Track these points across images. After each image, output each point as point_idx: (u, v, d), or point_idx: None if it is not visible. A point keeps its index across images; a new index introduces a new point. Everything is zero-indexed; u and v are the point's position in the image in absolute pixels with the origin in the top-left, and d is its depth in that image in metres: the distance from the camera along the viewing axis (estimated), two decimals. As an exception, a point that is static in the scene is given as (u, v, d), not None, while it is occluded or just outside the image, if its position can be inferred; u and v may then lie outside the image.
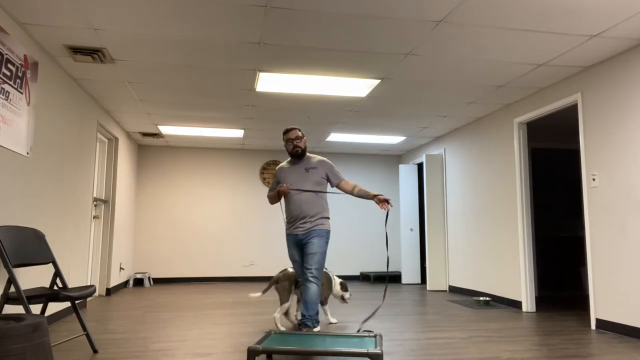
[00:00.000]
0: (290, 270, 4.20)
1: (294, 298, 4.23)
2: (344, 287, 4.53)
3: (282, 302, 4.08)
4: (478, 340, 3.73)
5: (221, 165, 8.61)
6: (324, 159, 4.01)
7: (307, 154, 4.01)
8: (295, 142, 3.90)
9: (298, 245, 3.89)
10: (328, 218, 3.93)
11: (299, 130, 3.94)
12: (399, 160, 9.31)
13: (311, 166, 3.91)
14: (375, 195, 3.73)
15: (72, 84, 4.81)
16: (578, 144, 5.66)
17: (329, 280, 4.46)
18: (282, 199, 4.01)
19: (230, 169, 8.62)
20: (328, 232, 3.87)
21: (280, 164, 4.06)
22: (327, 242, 3.85)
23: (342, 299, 4.50)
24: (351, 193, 3.87)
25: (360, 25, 3.57)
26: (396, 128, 6.97)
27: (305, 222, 3.82)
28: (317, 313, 3.74)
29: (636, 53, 3.96)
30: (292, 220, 3.89)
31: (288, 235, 3.94)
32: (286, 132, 3.94)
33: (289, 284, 4.14)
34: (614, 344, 3.68)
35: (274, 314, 4.06)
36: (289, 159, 4.04)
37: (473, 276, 6.45)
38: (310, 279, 3.69)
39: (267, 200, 3.96)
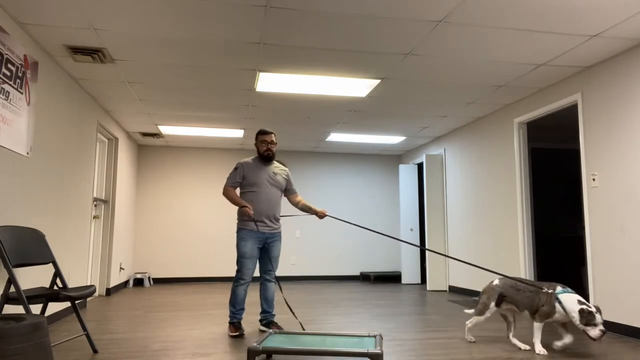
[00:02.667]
0: (496, 282, 3.65)
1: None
2: (584, 318, 3.07)
3: (476, 314, 3.64)
4: (478, 340, 3.73)
5: (221, 165, 8.61)
6: (286, 167, 4.25)
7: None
8: (269, 146, 4.06)
9: (260, 242, 3.98)
10: None
11: (274, 136, 4.12)
12: (399, 160, 9.31)
13: (277, 171, 4.13)
14: (317, 211, 4.10)
15: (72, 84, 4.81)
16: (578, 144, 5.66)
17: (550, 302, 3.27)
18: (246, 193, 4.06)
19: (230, 169, 8.62)
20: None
21: (245, 160, 4.11)
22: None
23: (587, 334, 3.08)
24: (296, 205, 4.20)
25: (360, 25, 3.57)
26: (396, 128, 6.97)
27: (273, 222, 4.04)
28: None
29: (636, 53, 3.96)
30: (259, 217, 3.96)
31: (250, 231, 3.93)
32: (264, 133, 4.08)
33: (487, 299, 3.60)
34: (614, 344, 3.68)
35: (467, 322, 3.76)
36: (254, 157, 4.15)
37: (473, 276, 6.45)
38: (272, 279, 4.07)
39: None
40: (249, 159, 4.12)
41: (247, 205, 3.90)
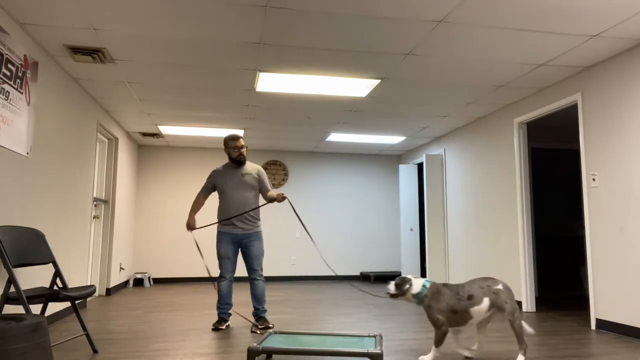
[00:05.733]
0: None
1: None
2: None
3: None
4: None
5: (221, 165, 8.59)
6: (260, 167, 4.41)
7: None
8: (241, 150, 4.26)
9: (234, 244, 4.22)
10: (260, 220, 4.35)
11: (243, 140, 4.30)
12: (399, 160, 9.31)
13: (247, 172, 4.30)
14: (275, 198, 4.18)
15: (72, 84, 4.80)
16: (578, 144, 5.66)
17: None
18: (219, 198, 4.34)
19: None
20: (261, 233, 4.34)
21: (216, 168, 4.38)
22: (263, 243, 4.33)
23: None
24: (265, 199, 4.30)
25: (360, 25, 3.57)
26: (396, 128, 6.97)
27: (244, 223, 4.22)
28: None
29: (636, 53, 3.96)
30: (229, 221, 4.21)
31: (224, 234, 4.21)
32: (235, 139, 4.25)
33: None
34: (614, 344, 3.68)
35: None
36: (226, 163, 4.39)
37: (473, 276, 6.45)
38: (258, 277, 4.26)
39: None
40: (220, 167, 4.38)
41: (190, 222, 4.25)
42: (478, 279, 3.10)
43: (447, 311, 2.98)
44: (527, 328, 3.08)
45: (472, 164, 6.54)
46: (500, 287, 3.03)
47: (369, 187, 9.17)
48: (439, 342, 2.99)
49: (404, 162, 9.02)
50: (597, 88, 4.35)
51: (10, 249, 3.06)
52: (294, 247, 8.69)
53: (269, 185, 4.38)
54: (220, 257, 4.22)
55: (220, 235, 4.24)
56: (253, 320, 4.33)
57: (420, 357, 3.06)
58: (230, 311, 4.28)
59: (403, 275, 3.45)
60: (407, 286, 3.07)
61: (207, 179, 4.36)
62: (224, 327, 4.18)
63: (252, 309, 4.30)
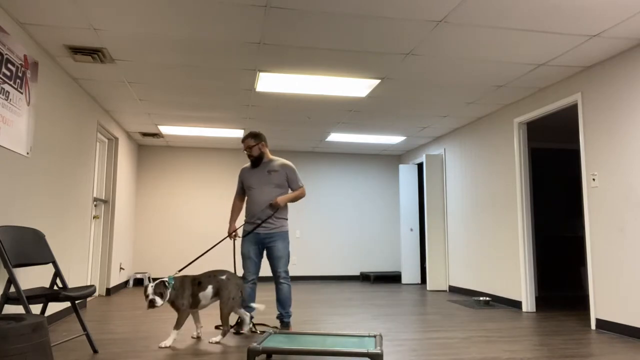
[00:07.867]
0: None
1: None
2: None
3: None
4: (478, 340, 3.73)
5: (221, 165, 8.61)
6: (287, 162, 4.16)
7: (270, 157, 4.19)
8: (247, 151, 4.11)
9: (257, 244, 4.07)
10: (287, 219, 4.16)
11: (251, 139, 4.09)
12: (399, 160, 9.31)
13: (273, 169, 4.11)
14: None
15: (72, 84, 4.81)
16: (578, 144, 5.66)
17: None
18: (246, 196, 4.21)
19: (230, 169, 8.62)
20: (287, 233, 4.14)
21: (245, 165, 4.27)
22: (289, 243, 4.12)
23: None
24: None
25: (361, 25, 3.57)
26: (396, 128, 6.97)
27: (267, 223, 4.05)
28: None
29: (636, 53, 3.96)
30: (251, 219, 4.07)
31: (248, 233, 4.07)
32: (243, 139, 4.13)
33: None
34: (614, 344, 3.68)
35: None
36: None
37: (473, 276, 6.45)
38: (282, 281, 4.07)
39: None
40: (247, 164, 4.26)
41: (231, 230, 4.17)
42: (213, 271, 3.74)
43: (189, 297, 3.60)
44: (246, 318, 3.89)
45: (472, 164, 6.54)
46: (223, 277, 3.69)
47: (369, 187, 9.17)
48: (180, 324, 3.55)
49: (404, 162, 9.02)
50: (597, 88, 4.35)
51: (10, 249, 3.06)
52: (294, 247, 8.69)
53: (299, 182, 4.14)
54: (242, 256, 4.08)
55: (244, 234, 4.11)
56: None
57: (161, 343, 3.50)
58: (252, 314, 4.08)
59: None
60: (163, 287, 3.56)
61: (238, 178, 4.26)
62: (248, 332, 4.00)
63: (277, 313, 4.15)
